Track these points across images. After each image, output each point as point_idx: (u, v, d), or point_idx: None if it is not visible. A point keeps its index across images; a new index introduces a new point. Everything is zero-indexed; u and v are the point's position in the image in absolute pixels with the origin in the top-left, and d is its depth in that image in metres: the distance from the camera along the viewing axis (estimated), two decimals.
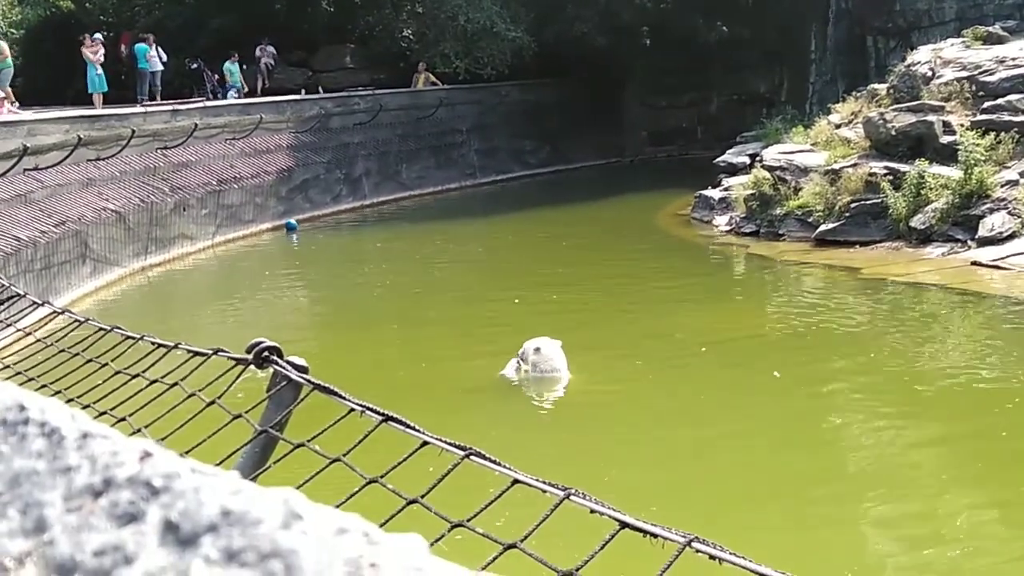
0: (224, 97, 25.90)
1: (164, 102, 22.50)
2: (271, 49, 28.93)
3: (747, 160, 21.41)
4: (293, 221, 22.86)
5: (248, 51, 27.76)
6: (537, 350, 10.48)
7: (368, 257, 19.64)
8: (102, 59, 23.37)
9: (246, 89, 26.64)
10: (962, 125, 17.03)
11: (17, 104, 20.09)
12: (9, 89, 21.03)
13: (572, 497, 1.67)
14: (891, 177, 16.59)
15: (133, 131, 19.26)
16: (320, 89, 28.18)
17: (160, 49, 25.14)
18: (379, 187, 26.23)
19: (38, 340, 3.43)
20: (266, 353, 2.32)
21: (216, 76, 27.23)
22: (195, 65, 27.79)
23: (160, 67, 25.02)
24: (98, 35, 24.27)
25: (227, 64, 26.66)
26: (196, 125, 21.19)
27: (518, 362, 10.59)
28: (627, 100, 32.20)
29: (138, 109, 20.93)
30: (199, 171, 20.84)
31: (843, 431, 9.24)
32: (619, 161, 31.67)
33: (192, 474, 0.57)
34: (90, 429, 0.65)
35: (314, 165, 24.44)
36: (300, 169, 23.94)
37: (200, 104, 23.09)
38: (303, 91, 27.02)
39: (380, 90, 27.57)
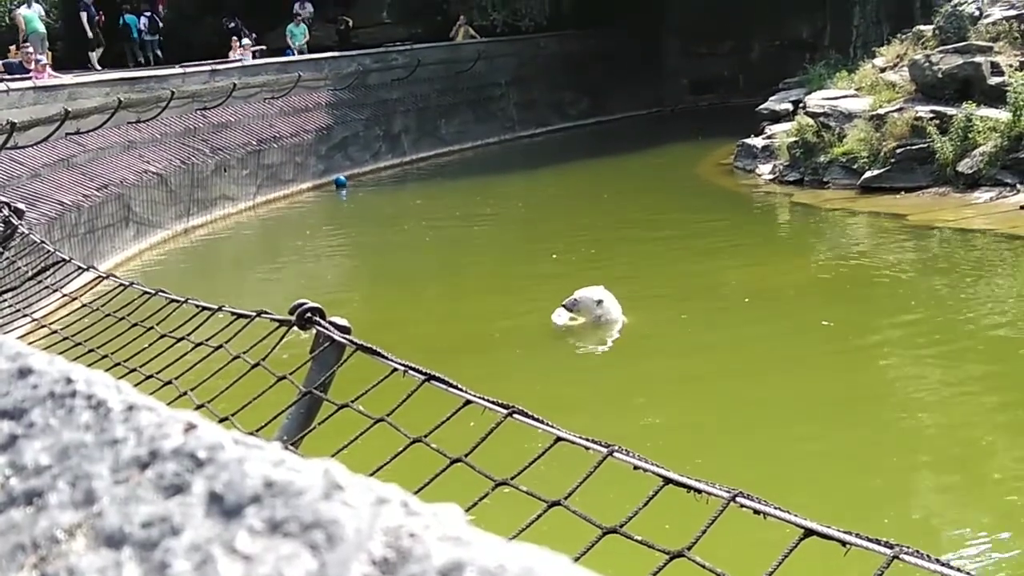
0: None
1: (203, 62, 22.58)
2: (309, 6, 28.86)
3: (790, 107, 21.08)
4: (342, 177, 22.94)
5: (286, 8, 27.74)
6: (586, 300, 10.47)
7: (409, 214, 19.66)
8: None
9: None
10: (1011, 66, 16.62)
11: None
12: (49, 53, 21.23)
13: (615, 454, 1.67)
14: (937, 121, 16.27)
15: (172, 92, 19.36)
16: (348, 23, 28.36)
17: (155, 17, 25.89)
18: (418, 143, 26.19)
19: (84, 305, 3.48)
20: (309, 314, 2.34)
21: (254, 35, 27.25)
22: (232, 24, 27.83)
23: (152, 36, 25.93)
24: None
25: (290, 27, 26.65)
26: (235, 85, 21.25)
27: (566, 310, 10.61)
28: (667, 49, 31.78)
29: (176, 70, 21.02)
30: (239, 131, 20.93)
31: (893, 380, 9.16)
32: (660, 111, 31.32)
33: (235, 445, 0.58)
34: (135, 401, 0.66)
35: (353, 122, 24.44)
36: (339, 127, 23.96)
37: (238, 63, 23.15)
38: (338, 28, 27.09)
39: (417, 44, 27.44)
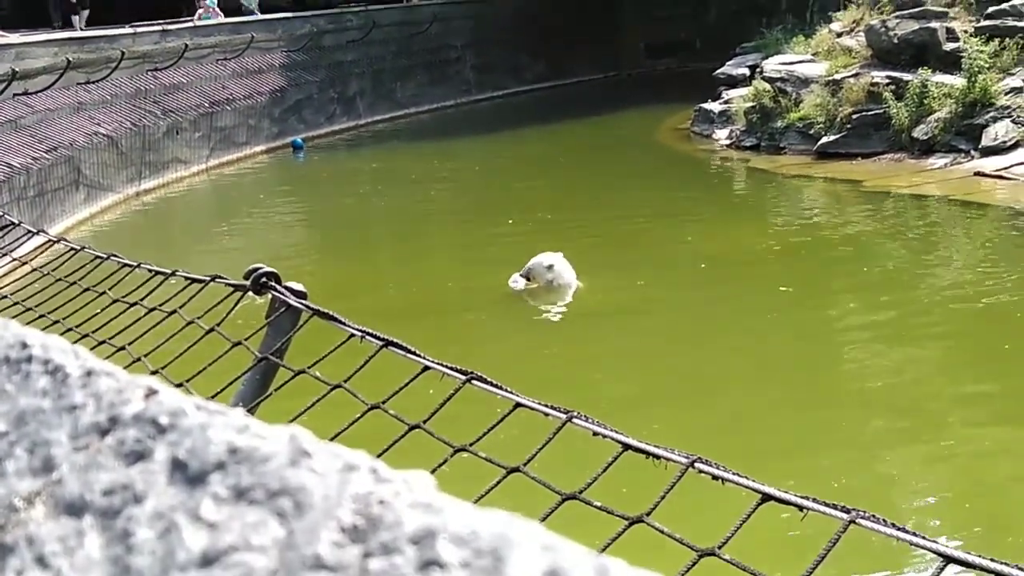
0: None
1: (153, 22, 22.11)
2: None
3: (747, 72, 21.12)
4: (299, 139, 22.73)
5: None
6: (536, 265, 10.54)
7: (364, 178, 19.52)
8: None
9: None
10: (966, 31, 16.79)
11: None
12: None
13: (574, 420, 1.68)
14: (893, 87, 16.41)
15: (123, 53, 18.98)
16: None
17: None
18: (374, 106, 25.96)
19: (34, 269, 3.42)
20: (264, 279, 2.31)
21: None
22: None
23: None
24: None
25: None
26: (187, 46, 20.87)
27: (523, 278, 10.65)
28: (625, 12, 31.69)
29: (127, 30, 20.59)
30: (191, 93, 20.59)
31: (848, 347, 9.27)
32: (617, 75, 31.29)
33: (198, 411, 0.57)
34: (94, 366, 0.64)
35: (307, 85, 24.15)
36: (293, 89, 23.66)
37: (190, 24, 22.72)
38: None
39: (372, 6, 27.12)
